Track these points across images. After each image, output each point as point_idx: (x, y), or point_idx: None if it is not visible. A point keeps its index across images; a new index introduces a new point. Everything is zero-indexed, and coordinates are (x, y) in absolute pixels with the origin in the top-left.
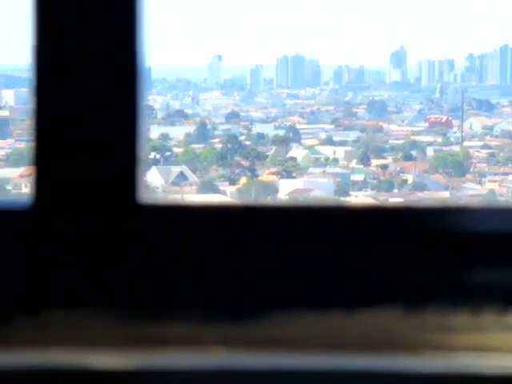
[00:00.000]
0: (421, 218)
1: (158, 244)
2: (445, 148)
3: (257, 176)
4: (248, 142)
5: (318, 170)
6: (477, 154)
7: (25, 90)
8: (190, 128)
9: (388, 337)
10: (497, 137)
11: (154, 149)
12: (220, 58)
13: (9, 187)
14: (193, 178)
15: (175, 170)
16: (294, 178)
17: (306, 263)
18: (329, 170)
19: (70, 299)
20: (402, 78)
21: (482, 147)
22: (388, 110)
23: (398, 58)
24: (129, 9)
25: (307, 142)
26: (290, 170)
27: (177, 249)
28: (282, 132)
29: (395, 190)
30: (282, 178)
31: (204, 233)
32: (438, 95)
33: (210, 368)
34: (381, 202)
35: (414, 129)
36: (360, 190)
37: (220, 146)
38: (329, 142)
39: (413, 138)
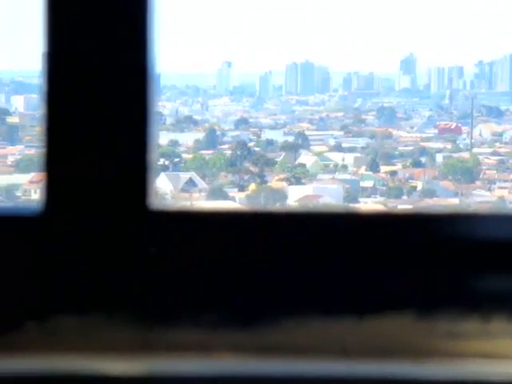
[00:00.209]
0: (430, 224)
1: (168, 250)
2: (454, 155)
3: (266, 182)
4: (257, 149)
5: (327, 177)
6: (486, 160)
7: (34, 96)
8: (199, 134)
9: (398, 343)
10: (506, 143)
11: (163, 155)
12: (229, 64)
13: (18, 193)
14: (202, 184)
15: (184, 176)
16: (303, 184)
17: (315, 269)
18: (338, 176)
19: (79, 305)
20: (412, 85)
21: (492, 154)
22: (397, 116)
23: (408, 65)
24: (139, 15)
25: (316, 148)
26: (299, 176)
27: (186, 254)
28: (291, 138)
29: (404, 197)
30: (290, 184)
31: (213, 239)
32: (447, 102)
33: (218, 374)
34: (390, 209)
35: (424, 135)
36: (369, 196)
37: (229, 152)
38: (338, 148)
39: (422, 144)
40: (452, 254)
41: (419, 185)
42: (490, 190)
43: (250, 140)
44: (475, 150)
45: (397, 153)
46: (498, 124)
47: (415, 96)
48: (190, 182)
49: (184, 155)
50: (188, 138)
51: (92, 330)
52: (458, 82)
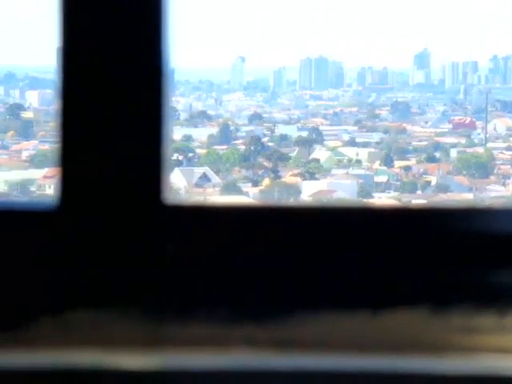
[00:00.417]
0: (444, 219)
1: (182, 244)
2: (468, 149)
3: (280, 177)
4: (271, 144)
5: (341, 172)
6: (501, 155)
7: (49, 91)
8: (213, 129)
9: (412, 338)
10: None
11: (177, 150)
12: (243, 59)
13: (33, 188)
14: (215, 179)
15: (198, 171)
16: (316, 179)
17: (329, 264)
18: (352, 171)
19: (94, 299)
20: (426, 80)
21: (506, 149)
22: (411, 111)
23: (422, 60)
24: (154, 11)
25: (330, 143)
26: (313, 171)
27: (200, 249)
28: (305, 133)
29: (418, 192)
30: (304, 179)
31: (227, 233)
32: (461, 96)
33: (232, 369)
34: (404, 204)
35: (438, 130)
36: (383, 191)
37: (243, 147)
38: (352, 143)
39: (436, 139)
40: (466, 249)
41: (433, 180)
42: (504, 184)
43: (264, 135)
44: (490, 144)
45: (411, 148)
46: None
47: (429, 91)
48: (204, 177)
49: (198, 150)
50: (202, 133)
51: (106, 324)
52: (472, 76)
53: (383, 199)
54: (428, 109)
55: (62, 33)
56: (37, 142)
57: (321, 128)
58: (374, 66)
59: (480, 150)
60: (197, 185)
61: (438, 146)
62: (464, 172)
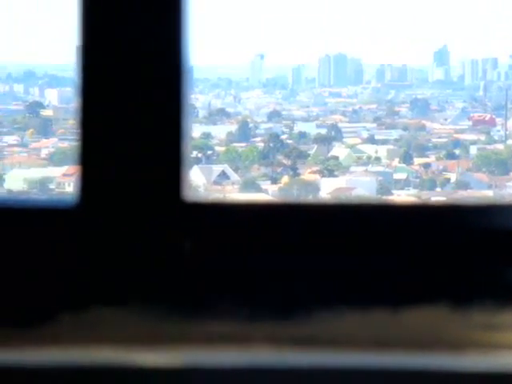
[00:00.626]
0: (464, 216)
1: (202, 241)
2: (488, 146)
3: (298, 175)
4: (290, 141)
5: (360, 169)
6: None
7: (68, 89)
8: (232, 127)
9: (433, 335)
10: None
11: (196, 148)
12: (262, 56)
13: (52, 186)
14: (234, 176)
15: (217, 168)
16: (335, 176)
17: (349, 261)
18: (371, 168)
19: (114, 297)
20: (445, 77)
21: None
22: (431, 108)
23: (441, 57)
24: (173, 9)
25: (349, 140)
26: (331, 168)
27: (220, 246)
28: (323, 131)
29: (438, 189)
30: (323, 176)
31: (247, 230)
32: (481, 93)
33: (255, 366)
34: (423, 201)
35: (457, 127)
36: (402, 188)
37: (262, 144)
38: (371, 140)
39: (456, 136)
40: (486, 246)
41: (453, 177)
42: None
43: (283, 132)
44: (509, 141)
45: (430, 145)
46: None
47: (449, 88)
48: (223, 175)
49: (217, 148)
50: (221, 131)
51: (129, 321)
52: (492, 73)
53: (402, 196)
54: (447, 106)
55: (82, 31)
56: (56, 139)
57: (340, 125)
58: (393, 62)
59: (500, 146)
60: (216, 182)
61: (457, 143)
62: (484, 169)
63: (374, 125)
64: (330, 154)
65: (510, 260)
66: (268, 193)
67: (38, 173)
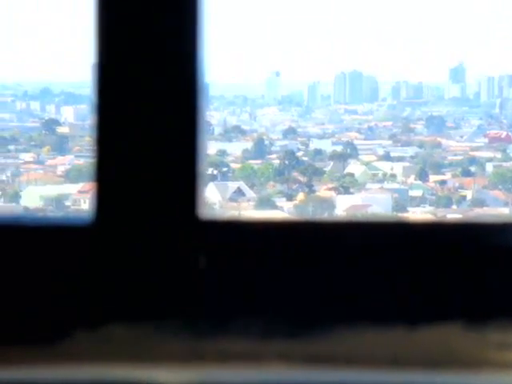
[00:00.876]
0: (480, 233)
1: (217, 259)
2: (504, 164)
3: (314, 192)
4: (305, 158)
5: (375, 186)
6: None
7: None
8: (248, 144)
9: (449, 353)
10: None
11: (212, 165)
12: (278, 73)
13: (68, 203)
14: (250, 193)
15: (232, 185)
16: (351, 193)
17: (365, 278)
18: (386, 185)
19: (130, 314)
20: (461, 94)
21: None
22: (447, 125)
23: (457, 74)
24: (189, 26)
25: (365, 157)
26: (347, 185)
27: (235, 263)
28: (339, 148)
29: (454, 206)
30: (339, 193)
31: (262, 248)
32: (497, 110)
33: (268, 383)
34: (439, 218)
35: (473, 144)
36: (418, 205)
37: (277, 161)
38: (386, 157)
39: (472, 153)
40: (502, 263)
41: (469, 194)
42: None
43: (298, 149)
44: None
45: (446, 162)
46: None
47: (465, 105)
48: (239, 192)
49: (232, 165)
50: (236, 148)
51: (143, 339)
52: (508, 90)
53: (418, 214)
54: (463, 123)
55: (98, 48)
56: (72, 156)
57: (355, 142)
58: (408, 80)
59: None
60: (231, 199)
61: (473, 161)
62: (500, 186)
63: (390, 142)
64: (345, 171)
65: None
66: (283, 210)
67: (53, 190)
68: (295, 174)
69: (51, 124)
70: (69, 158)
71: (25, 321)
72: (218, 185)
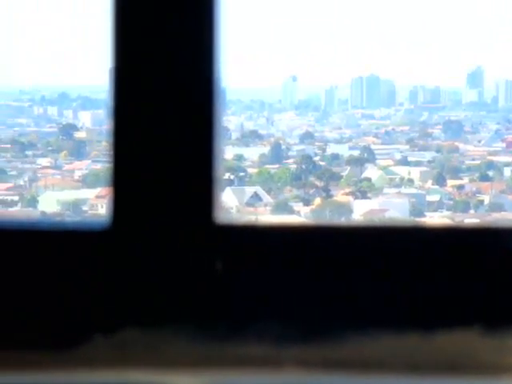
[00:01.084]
0: (498, 238)
1: (234, 264)
2: None
3: (331, 196)
4: (322, 163)
5: (392, 191)
6: None
7: (101, 111)
8: (265, 149)
9: (467, 359)
10: None
11: (229, 169)
12: (295, 78)
13: (85, 208)
14: (267, 198)
15: (249, 190)
16: (368, 198)
17: (382, 283)
18: (404, 190)
19: (147, 318)
20: (479, 98)
21: None
22: (464, 130)
23: (475, 78)
24: (205, 31)
25: (382, 162)
26: (364, 190)
27: (251, 268)
28: (356, 152)
29: (471, 211)
30: (356, 198)
31: (278, 253)
32: None
33: None
34: (457, 223)
35: (491, 149)
36: (435, 210)
37: (294, 166)
38: (404, 162)
39: (489, 158)
40: None
41: (486, 199)
42: None
43: (315, 154)
44: None
45: (464, 167)
46: None
47: (482, 109)
48: (255, 197)
49: (249, 169)
50: (253, 153)
51: (158, 343)
52: None
53: (435, 218)
54: (481, 127)
55: (115, 53)
56: (89, 161)
57: (372, 147)
58: (426, 84)
59: None
60: (248, 204)
61: (491, 165)
62: None
63: (407, 146)
64: (362, 176)
65: None
66: (300, 214)
67: (71, 195)
68: (312, 178)
69: (68, 129)
70: (86, 162)
71: (43, 326)
72: (234, 189)
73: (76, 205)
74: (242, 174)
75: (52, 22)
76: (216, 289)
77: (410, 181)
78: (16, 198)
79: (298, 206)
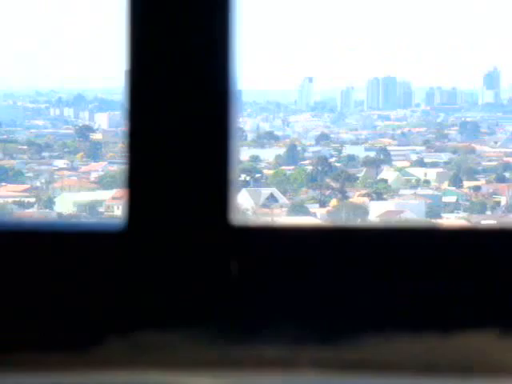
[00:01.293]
0: None
1: (250, 265)
2: None
3: (347, 198)
4: (338, 164)
5: (409, 192)
6: None
7: (117, 113)
8: (280, 150)
9: (483, 360)
10: None
11: (245, 171)
12: (311, 80)
13: (101, 209)
14: (283, 199)
15: (265, 191)
16: (384, 199)
17: (398, 285)
18: (420, 191)
19: (162, 320)
20: (495, 99)
21: None
22: (481, 131)
23: (491, 79)
24: (221, 33)
25: (398, 163)
26: (380, 191)
27: (267, 270)
28: (372, 154)
29: (488, 212)
30: (372, 199)
31: (294, 254)
32: None
33: None
34: (473, 224)
35: (508, 150)
36: (452, 211)
37: (310, 167)
38: (420, 163)
39: (506, 159)
40: None
41: (503, 200)
42: None
43: (331, 155)
44: None
45: (480, 168)
46: None
47: (499, 111)
48: (271, 198)
49: (265, 171)
50: (269, 154)
51: (175, 345)
52: None
53: (452, 220)
54: (497, 129)
55: (130, 55)
56: (105, 163)
57: (388, 148)
58: (442, 85)
59: None
60: (264, 205)
61: (507, 166)
62: None
63: (423, 148)
64: (378, 177)
65: None
66: (316, 216)
67: (87, 196)
68: (328, 180)
69: (85, 131)
70: (102, 164)
71: (59, 328)
72: (250, 191)
73: (92, 206)
74: (257, 175)
75: (69, 26)
76: (231, 290)
77: (427, 182)
78: (32, 199)
79: (313, 208)
